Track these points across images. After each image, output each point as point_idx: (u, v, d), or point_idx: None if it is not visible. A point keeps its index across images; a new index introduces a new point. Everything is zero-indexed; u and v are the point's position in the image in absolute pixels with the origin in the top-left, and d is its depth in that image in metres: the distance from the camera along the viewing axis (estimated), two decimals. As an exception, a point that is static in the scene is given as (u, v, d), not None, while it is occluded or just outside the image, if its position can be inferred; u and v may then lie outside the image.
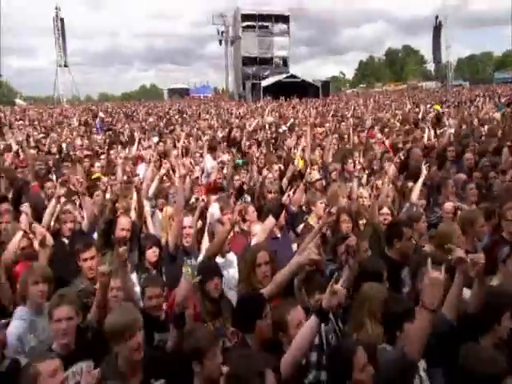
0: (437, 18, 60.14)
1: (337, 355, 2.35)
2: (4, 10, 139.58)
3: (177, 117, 19.43)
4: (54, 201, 4.45)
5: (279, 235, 4.62)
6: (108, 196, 5.32)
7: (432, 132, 9.12)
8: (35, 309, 3.13)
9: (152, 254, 4.05)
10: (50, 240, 4.00)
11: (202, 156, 8.14)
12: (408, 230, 3.72)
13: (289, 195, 3.95)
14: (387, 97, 30.75)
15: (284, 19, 51.16)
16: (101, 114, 16.93)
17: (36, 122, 16.99)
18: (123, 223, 4.26)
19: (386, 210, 4.53)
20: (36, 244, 3.77)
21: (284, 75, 44.41)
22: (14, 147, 7.97)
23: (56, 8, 50.03)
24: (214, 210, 4.31)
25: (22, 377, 2.23)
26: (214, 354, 2.39)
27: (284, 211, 4.20)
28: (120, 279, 3.12)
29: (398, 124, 11.50)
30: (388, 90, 54.16)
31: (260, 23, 50.03)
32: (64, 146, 9.91)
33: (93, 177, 6.31)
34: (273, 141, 10.31)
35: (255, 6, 52.44)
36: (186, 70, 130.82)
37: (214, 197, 5.10)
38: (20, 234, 3.74)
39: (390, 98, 27.32)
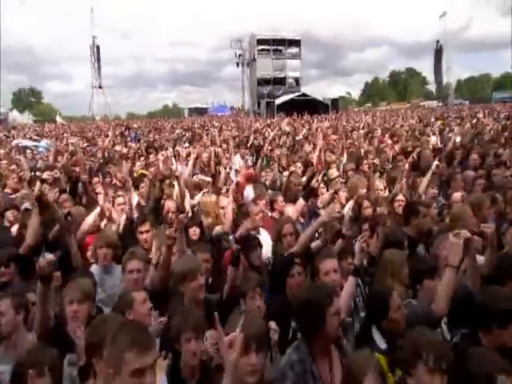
0: (438, 42, 60.30)
1: (375, 297, 2.56)
2: (47, 43, 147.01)
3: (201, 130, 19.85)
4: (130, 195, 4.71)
5: (303, 221, 4.86)
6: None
7: (438, 138, 9.33)
8: (103, 268, 3.43)
9: (192, 232, 4.23)
10: (117, 218, 4.31)
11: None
12: (423, 209, 3.90)
13: (317, 180, 4.19)
14: (393, 113, 30.85)
15: (296, 43, 51.80)
16: (134, 125, 17.48)
17: (78, 135, 17.66)
18: (169, 206, 4.55)
19: (400, 197, 4.71)
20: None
21: (296, 94, 44.74)
22: (70, 147, 8.45)
23: (93, 36, 52.07)
24: (249, 192, 4.56)
25: (120, 302, 2.50)
26: (253, 297, 2.65)
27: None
28: (178, 244, 3.37)
29: (405, 133, 11.68)
30: (393, 109, 54.16)
31: (274, 47, 50.78)
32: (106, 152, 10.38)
33: (139, 172, 6.65)
34: (291, 148, 10.58)
35: (268, 31, 52.89)
36: (204, 91, 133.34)
37: (250, 185, 5.35)
38: (98, 210, 4.03)
39: (396, 114, 27.42)
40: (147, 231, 3.87)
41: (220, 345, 1.65)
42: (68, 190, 6.07)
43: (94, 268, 3.44)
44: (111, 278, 3.38)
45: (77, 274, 2.95)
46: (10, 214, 4.55)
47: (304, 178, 6.30)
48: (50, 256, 2.36)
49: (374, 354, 2.05)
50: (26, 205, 4.71)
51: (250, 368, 1.83)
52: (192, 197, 5.39)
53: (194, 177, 5.90)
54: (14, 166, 7.41)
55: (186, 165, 7.14)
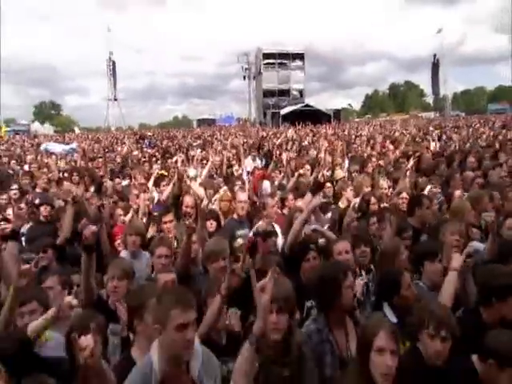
0: (435, 56, 60.29)
1: (388, 277, 2.67)
2: (66, 60, 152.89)
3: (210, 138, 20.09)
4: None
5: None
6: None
7: (437, 144, 9.47)
8: (132, 254, 3.58)
9: (209, 225, 4.34)
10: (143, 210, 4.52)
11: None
12: (426, 201, 4.02)
13: (323, 175, 4.34)
14: (393, 123, 30.94)
15: (300, 57, 52.23)
16: (148, 133, 17.76)
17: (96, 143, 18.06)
18: (187, 201, 4.71)
19: (404, 194, 4.83)
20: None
21: (300, 105, 45.00)
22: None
23: (109, 53, 53.27)
24: (266, 186, 4.73)
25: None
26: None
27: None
28: (199, 233, 3.52)
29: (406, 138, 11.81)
30: (392, 119, 54.12)
31: (279, 60, 51.28)
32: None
33: (159, 173, 6.82)
34: (297, 153, 10.75)
35: (272, 45, 53.48)
36: (212, 103, 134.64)
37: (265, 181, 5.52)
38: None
39: (397, 124, 27.53)
40: (170, 221, 4.02)
41: (254, 290, 1.74)
42: (93, 189, 6.28)
43: (123, 253, 3.60)
44: (138, 263, 3.51)
45: (112, 258, 3.11)
46: (43, 209, 4.72)
47: (310, 178, 6.50)
48: (93, 227, 2.51)
49: (386, 317, 2.16)
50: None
51: (272, 326, 1.95)
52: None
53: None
54: (45, 169, 7.67)
55: (202, 167, 7.38)
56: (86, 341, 1.74)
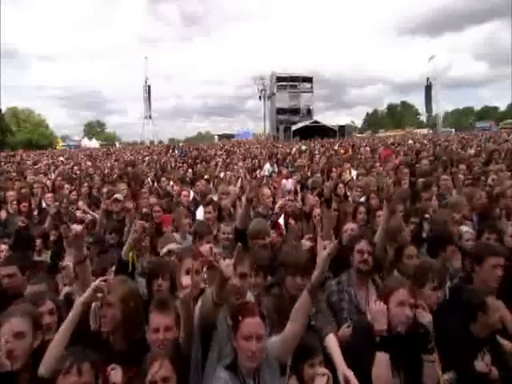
0: (428, 79, 59.88)
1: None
2: (109, 85, 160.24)
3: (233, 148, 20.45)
4: None
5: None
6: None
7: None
8: (182, 235, 3.84)
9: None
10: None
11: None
12: (425, 194, 4.16)
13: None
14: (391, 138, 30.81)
15: (308, 80, 52.75)
16: (180, 144, 18.17)
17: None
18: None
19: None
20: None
21: (309, 121, 45.30)
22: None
23: (146, 77, 55.57)
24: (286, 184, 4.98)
25: None
26: None
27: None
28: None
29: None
30: (390, 135, 53.66)
31: (290, 83, 51.86)
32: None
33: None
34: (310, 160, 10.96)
35: (284, 70, 54.66)
36: (231, 120, 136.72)
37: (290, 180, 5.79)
38: None
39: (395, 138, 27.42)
40: (210, 212, 4.23)
41: None
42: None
43: (175, 234, 3.85)
44: (186, 242, 3.77)
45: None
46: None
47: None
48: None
49: (405, 279, 2.16)
50: (118, 195, 5.23)
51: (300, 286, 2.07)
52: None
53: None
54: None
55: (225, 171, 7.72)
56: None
